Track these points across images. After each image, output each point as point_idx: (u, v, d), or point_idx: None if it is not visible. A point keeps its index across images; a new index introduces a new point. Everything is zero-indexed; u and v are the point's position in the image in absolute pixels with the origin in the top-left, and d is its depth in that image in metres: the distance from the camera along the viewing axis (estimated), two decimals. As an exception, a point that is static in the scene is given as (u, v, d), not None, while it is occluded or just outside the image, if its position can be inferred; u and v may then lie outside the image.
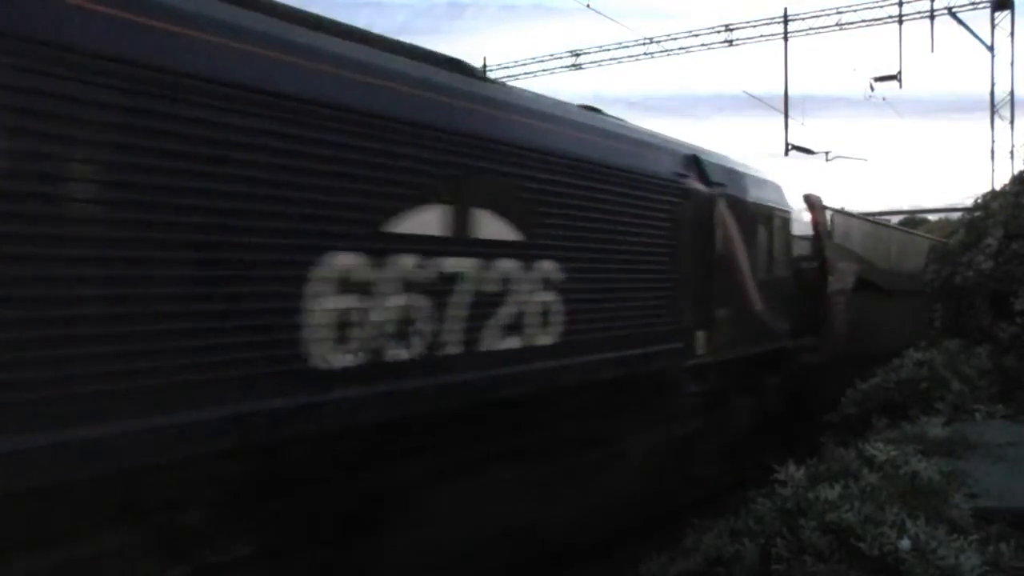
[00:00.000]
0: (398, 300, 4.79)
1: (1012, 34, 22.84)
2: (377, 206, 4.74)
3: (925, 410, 7.99)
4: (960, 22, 22.83)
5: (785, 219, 11.17)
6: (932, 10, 22.92)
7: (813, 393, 11.62)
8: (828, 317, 12.67)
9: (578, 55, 28.09)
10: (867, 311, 14.98)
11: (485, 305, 5.46)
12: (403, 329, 4.85)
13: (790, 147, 25.39)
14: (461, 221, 5.31)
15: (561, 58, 28.44)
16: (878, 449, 5.67)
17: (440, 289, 5.10)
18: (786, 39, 25.03)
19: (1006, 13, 22.86)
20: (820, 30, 24.78)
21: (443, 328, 5.12)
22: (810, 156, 26.22)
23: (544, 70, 28.94)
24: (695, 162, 8.62)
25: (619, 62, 27.69)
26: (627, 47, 27.07)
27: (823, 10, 24.52)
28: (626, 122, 8.43)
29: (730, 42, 25.87)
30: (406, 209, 4.90)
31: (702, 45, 26.20)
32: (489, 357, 5.50)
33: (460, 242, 5.30)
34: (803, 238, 12.94)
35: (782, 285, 10.88)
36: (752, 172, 10.46)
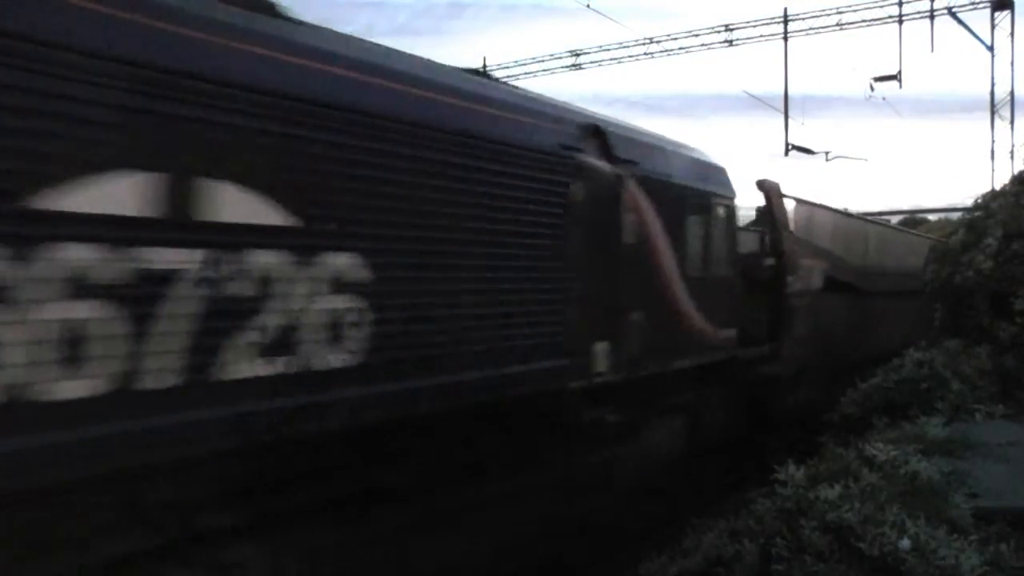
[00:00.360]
0: (57, 311, 3.33)
1: (1012, 34, 22.84)
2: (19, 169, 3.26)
3: (925, 410, 7.98)
4: (960, 22, 22.83)
5: (729, 207, 9.59)
6: (932, 10, 22.92)
7: (777, 407, 10.74)
8: (790, 321, 11.12)
9: (578, 55, 28.08)
10: (841, 314, 13.55)
11: (220, 316, 3.95)
12: (69, 353, 3.36)
13: (790, 147, 25.40)
14: (181, 195, 3.81)
15: (561, 58, 28.44)
16: (878, 449, 5.67)
17: (142, 293, 3.64)
18: (786, 39, 25.03)
19: (1006, 13, 22.86)
20: (820, 30, 24.78)
21: (143, 350, 3.62)
22: (810, 156, 26.22)
23: (544, 70, 28.94)
24: (596, 134, 7.07)
25: (619, 62, 27.68)
26: (627, 47, 27.06)
27: (823, 10, 24.53)
28: (507, 84, 7.24)
29: (730, 42, 25.87)
30: (76, 176, 3.41)
31: (702, 45, 26.19)
32: (219, 391, 3.94)
33: (179, 226, 3.81)
34: (757, 231, 11.64)
35: (725, 285, 9.32)
36: (683, 150, 8.95)
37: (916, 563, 4.13)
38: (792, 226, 11.48)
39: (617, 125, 7.70)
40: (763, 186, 11.40)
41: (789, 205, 11.65)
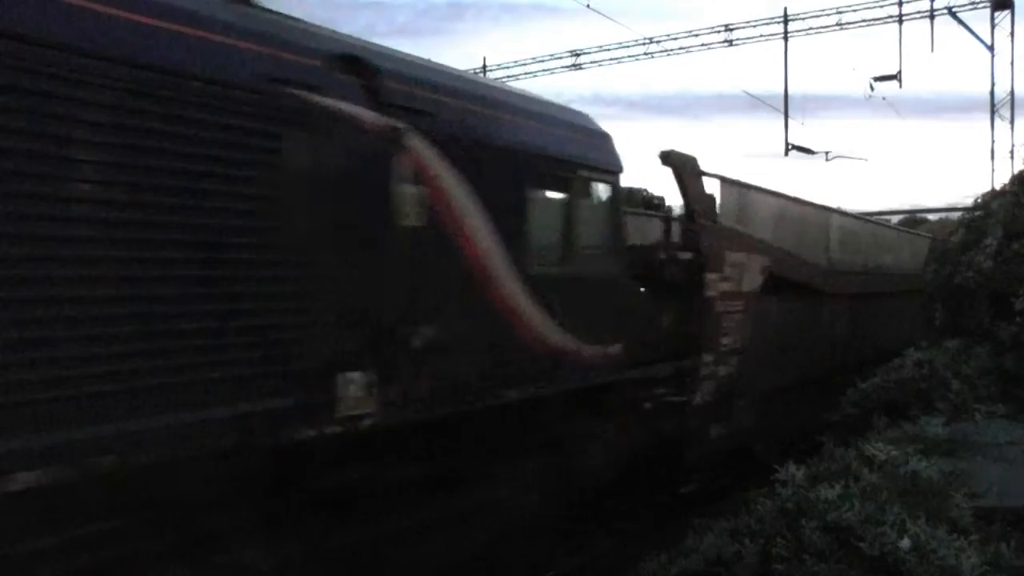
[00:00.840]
0: None
1: (1012, 34, 22.87)
2: None
3: (925, 410, 7.98)
4: (960, 22, 22.85)
5: (612, 185, 7.38)
6: (932, 10, 22.96)
7: (696, 439, 8.57)
8: (713, 332, 8.75)
9: (578, 55, 28.13)
10: (794, 321, 11.13)
11: None
12: None
13: (790, 147, 25.43)
14: None
15: (561, 58, 28.50)
16: (878, 449, 5.68)
17: None
18: (786, 39, 25.06)
19: (1006, 13, 22.89)
20: (820, 30, 24.83)
21: None
22: (810, 156, 26.25)
23: (544, 70, 29.02)
24: (354, 69, 5.08)
25: (619, 62, 27.75)
26: (627, 47, 27.13)
27: (823, 10, 24.60)
28: None
29: (730, 42, 25.90)
30: None
31: (702, 45, 26.24)
32: None
33: None
34: (662, 217, 10.10)
35: (603, 286, 7.08)
36: (528, 105, 6.77)
37: (916, 563, 4.13)
38: (718, 213, 9.21)
39: (401, 60, 5.66)
40: (669, 160, 8.59)
41: (712, 186, 9.21)
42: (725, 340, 8.98)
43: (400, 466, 5.28)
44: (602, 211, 7.35)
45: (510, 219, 6.01)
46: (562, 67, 28.61)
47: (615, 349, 7.13)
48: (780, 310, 10.51)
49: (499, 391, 5.92)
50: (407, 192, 5.15)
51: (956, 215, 18.15)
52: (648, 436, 7.85)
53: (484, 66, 29.63)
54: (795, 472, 5.17)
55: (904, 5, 23.35)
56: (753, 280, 9.63)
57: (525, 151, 6.27)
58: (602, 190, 7.30)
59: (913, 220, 35.27)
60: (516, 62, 29.31)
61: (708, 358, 8.65)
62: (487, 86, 6.89)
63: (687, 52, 26.39)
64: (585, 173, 6.99)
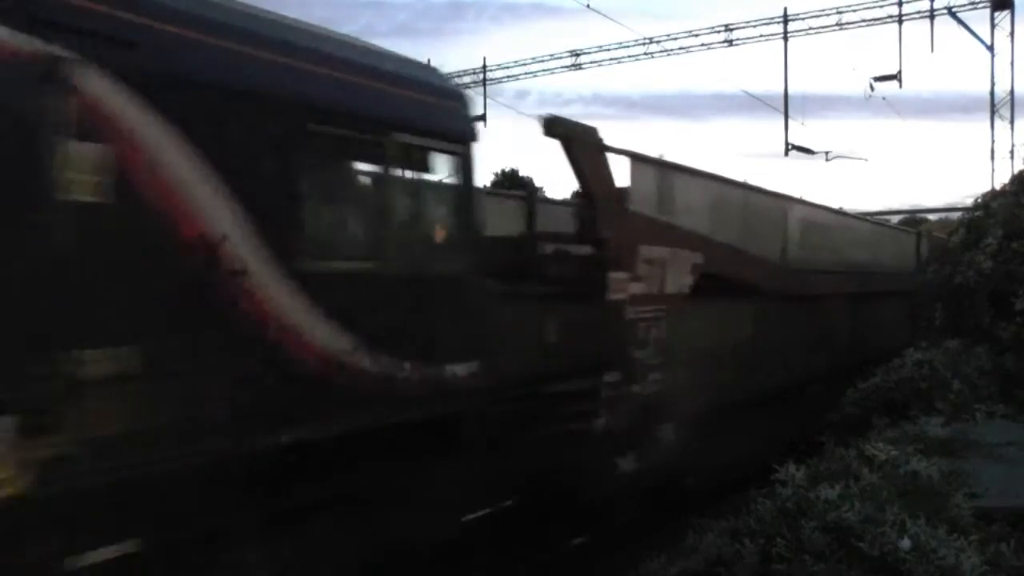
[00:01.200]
0: None
1: (1012, 34, 22.88)
2: None
3: (925, 410, 7.99)
4: (960, 22, 22.86)
5: (457, 158, 5.71)
6: (932, 10, 22.96)
7: (594, 478, 6.77)
8: (619, 345, 7.15)
9: (578, 55, 28.14)
10: (736, 329, 9.38)
11: None
12: None
13: (790, 147, 25.43)
14: None
15: (561, 58, 28.50)
16: (878, 449, 5.68)
17: None
18: (786, 39, 25.05)
19: (1006, 13, 22.90)
20: (820, 30, 24.83)
21: None
22: (810, 156, 26.26)
23: (544, 70, 29.03)
24: None
25: (619, 62, 27.76)
26: (627, 47, 27.13)
27: (823, 10, 24.59)
28: None
29: (730, 42, 25.90)
30: None
31: (702, 45, 26.24)
32: None
33: None
34: (520, 197, 8.58)
35: (434, 288, 5.43)
36: (322, 45, 5.06)
37: (916, 563, 4.13)
38: (630, 198, 7.47)
39: None
40: (555, 130, 6.63)
41: (620, 165, 7.39)
42: (640, 353, 7.36)
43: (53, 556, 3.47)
44: (441, 191, 5.73)
45: (275, 196, 4.50)
46: (562, 67, 28.64)
47: (463, 370, 5.51)
48: (721, 316, 8.90)
49: (251, 433, 4.22)
50: (73, 152, 3.57)
51: (956, 215, 18.16)
52: (520, 475, 6.17)
53: (484, 66, 29.64)
54: (795, 472, 5.17)
55: (904, 5, 23.38)
56: (679, 280, 7.97)
57: (308, 105, 4.72)
58: (442, 163, 5.62)
59: (913, 220, 35.31)
60: (516, 62, 29.35)
61: (613, 376, 6.97)
62: (254, 18, 4.69)
63: (687, 52, 26.42)
64: (412, 139, 5.35)
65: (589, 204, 7.12)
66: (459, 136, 5.79)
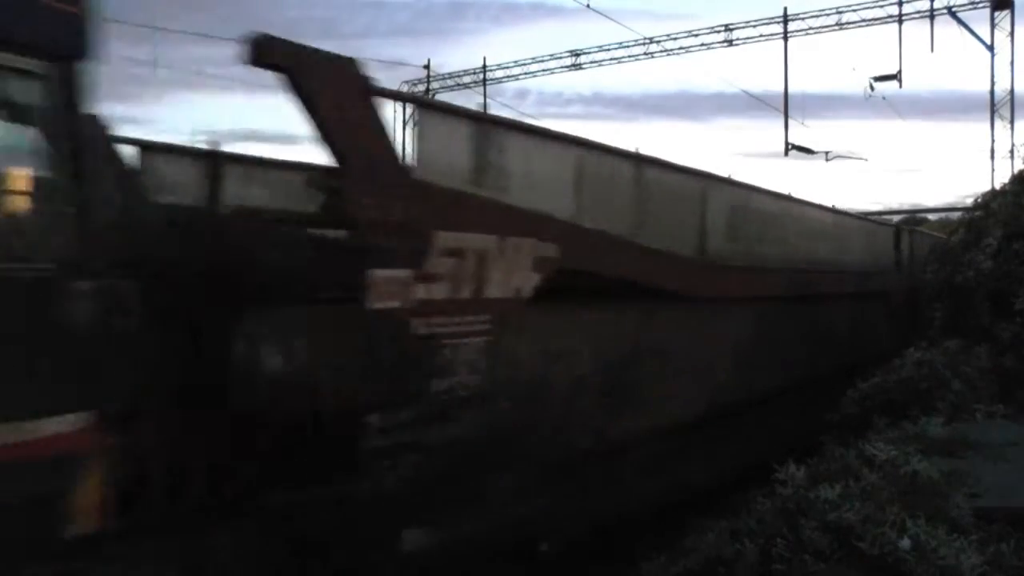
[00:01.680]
0: None
1: (1012, 34, 22.91)
2: None
3: (925, 410, 7.99)
4: (960, 22, 22.88)
5: (35, 82, 3.63)
6: (932, 10, 22.99)
7: (366, 556, 4.80)
8: (391, 372, 4.96)
9: (578, 55, 28.16)
10: (628, 343, 7.05)
11: None
12: None
13: (790, 147, 25.45)
14: None
15: (561, 58, 28.54)
16: (878, 449, 5.68)
17: None
18: (786, 39, 25.07)
19: (1006, 13, 22.91)
20: (820, 30, 24.86)
21: None
22: (810, 156, 26.27)
23: (544, 70, 29.07)
24: None
25: (619, 62, 27.79)
26: (627, 47, 27.17)
27: (823, 10, 24.62)
28: None
29: (730, 42, 25.93)
30: None
31: (702, 45, 26.28)
32: None
33: None
34: (195, 153, 6.10)
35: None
36: None
37: (916, 563, 4.14)
38: (423, 162, 5.22)
39: None
40: (270, 57, 4.35)
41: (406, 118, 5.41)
42: (441, 384, 5.25)
43: None
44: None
45: None
46: (562, 67, 28.69)
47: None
48: (598, 327, 6.67)
49: None
50: None
51: (956, 215, 18.14)
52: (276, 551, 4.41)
53: (484, 66, 29.67)
54: (795, 472, 5.17)
55: (904, 5, 23.41)
56: (513, 280, 5.73)
57: None
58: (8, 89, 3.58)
59: (913, 220, 35.31)
60: (516, 62, 29.38)
61: (382, 418, 4.85)
62: None
63: (687, 52, 26.46)
64: None
65: (341, 169, 4.73)
66: (46, 47, 3.61)
